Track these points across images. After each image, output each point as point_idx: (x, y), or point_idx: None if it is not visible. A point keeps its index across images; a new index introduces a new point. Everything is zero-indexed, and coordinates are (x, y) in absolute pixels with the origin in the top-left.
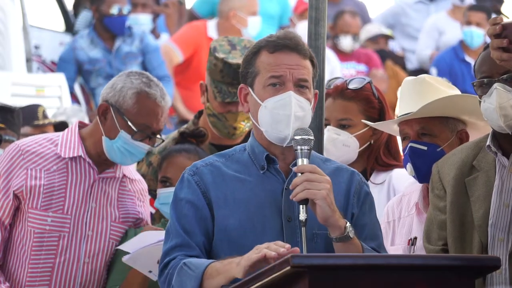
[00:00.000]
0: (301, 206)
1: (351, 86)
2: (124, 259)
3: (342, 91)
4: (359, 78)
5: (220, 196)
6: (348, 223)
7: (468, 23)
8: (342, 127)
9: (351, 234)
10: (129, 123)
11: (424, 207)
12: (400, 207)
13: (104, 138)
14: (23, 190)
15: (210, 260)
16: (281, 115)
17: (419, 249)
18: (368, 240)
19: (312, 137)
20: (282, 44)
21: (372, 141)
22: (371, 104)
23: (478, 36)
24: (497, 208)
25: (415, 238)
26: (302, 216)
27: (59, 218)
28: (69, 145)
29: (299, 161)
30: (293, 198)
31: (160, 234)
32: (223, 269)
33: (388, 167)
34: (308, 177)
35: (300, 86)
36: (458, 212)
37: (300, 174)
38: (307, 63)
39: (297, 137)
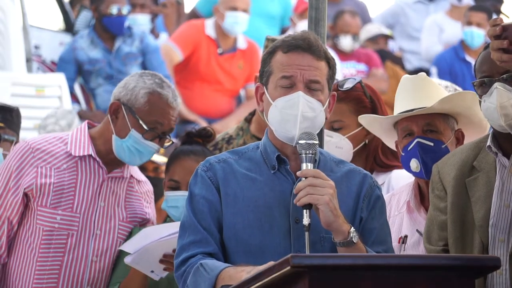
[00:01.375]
0: (304, 210)
1: (342, 87)
2: (127, 261)
3: None
4: (349, 79)
5: (230, 193)
6: (352, 227)
7: (469, 23)
8: (335, 129)
9: (355, 239)
10: (140, 122)
11: (416, 205)
12: (389, 206)
13: (114, 137)
14: (33, 188)
15: (225, 265)
16: (289, 114)
17: (410, 248)
18: (375, 245)
19: (316, 141)
20: (295, 44)
21: (367, 141)
22: (362, 103)
23: (479, 36)
24: (498, 209)
25: (406, 236)
26: (306, 220)
27: (68, 217)
28: (79, 144)
29: (303, 166)
30: (296, 202)
31: (161, 231)
32: (235, 276)
33: (388, 168)
34: (311, 182)
35: (311, 87)
36: (458, 213)
37: (304, 178)
38: (321, 64)
39: (301, 142)
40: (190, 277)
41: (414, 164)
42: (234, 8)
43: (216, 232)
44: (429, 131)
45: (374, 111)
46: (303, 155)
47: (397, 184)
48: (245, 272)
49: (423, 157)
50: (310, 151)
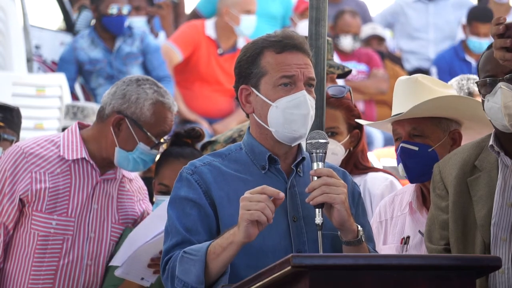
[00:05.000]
0: (317, 210)
1: (332, 93)
2: (117, 273)
3: (327, 99)
4: (338, 86)
5: (223, 195)
6: (359, 226)
7: (476, 34)
8: (330, 135)
9: (363, 238)
10: (149, 135)
11: (418, 206)
12: (392, 207)
13: (118, 149)
14: (28, 195)
15: (208, 242)
16: (295, 114)
17: (412, 248)
18: (367, 242)
19: (327, 141)
20: (292, 44)
21: (351, 148)
22: (352, 112)
23: (486, 45)
24: (500, 208)
25: (408, 237)
26: (318, 220)
27: (63, 221)
28: (72, 147)
29: (315, 165)
30: (309, 201)
31: (145, 232)
32: (226, 242)
33: (365, 170)
34: (326, 181)
35: (309, 85)
36: (460, 212)
37: (315, 178)
38: (310, 61)
39: (312, 141)
40: (177, 269)
41: (400, 168)
42: (249, 11)
43: (204, 234)
44: (415, 136)
45: (359, 118)
46: (314, 154)
47: (373, 186)
48: (233, 230)
49: (405, 162)
50: (321, 150)
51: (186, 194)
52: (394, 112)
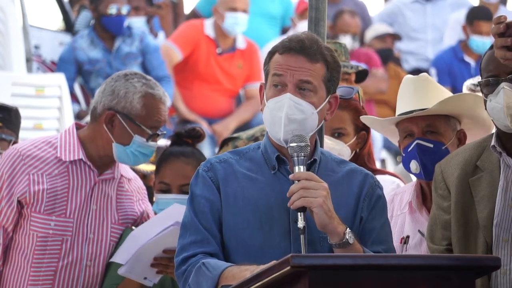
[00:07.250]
0: (299, 213)
1: (340, 94)
2: (120, 272)
3: None
4: (346, 87)
5: (230, 193)
6: (347, 229)
7: (478, 32)
8: (336, 135)
9: (351, 240)
10: (143, 127)
11: (418, 206)
12: (392, 206)
13: (116, 145)
14: (26, 196)
15: (228, 264)
16: (277, 116)
17: (412, 248)
18: (375, 244)
19: (307, 144)
20: (288, 46)
21: (358, 150)
22: (360, 113)
23: (489, 44)
24: (502, 208)
25: (408, 236)
26: (300, 223)
27: (62, 222)
28: (69, 148)
29: (296, 169)
30: (290, 206)
31: (148, 231)
32: (239, 276)
33: (372, 172)
34: (304, 185)
35: (302, 88)
36: (462, 212)
37: (297, 181)
38: (316, 66)
39: (292, 144)
40: (192, 276)
41: (413, 165)
42: (234, 9)
43: (217, 232)
44: (429, 132)
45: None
46: (295, 158)
47: None
48: (249, 271)
49: (422, 159)
50: (302, 153)
51: (201, 192)
52: (402, 110)
